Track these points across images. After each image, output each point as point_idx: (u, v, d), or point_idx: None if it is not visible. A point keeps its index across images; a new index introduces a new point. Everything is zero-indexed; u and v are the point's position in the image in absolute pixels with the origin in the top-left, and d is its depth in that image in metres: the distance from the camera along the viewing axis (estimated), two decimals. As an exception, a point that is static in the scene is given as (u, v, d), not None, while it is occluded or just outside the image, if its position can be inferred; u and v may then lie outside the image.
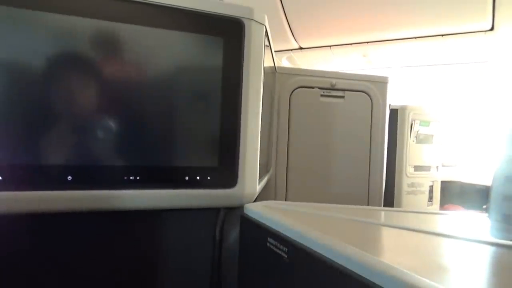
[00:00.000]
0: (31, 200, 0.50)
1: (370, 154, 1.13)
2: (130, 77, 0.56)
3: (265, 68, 0.68)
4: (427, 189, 1.76)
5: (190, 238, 0.73)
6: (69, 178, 0.52)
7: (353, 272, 0.35)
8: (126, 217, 0.71)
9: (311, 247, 0.41)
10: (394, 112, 1.62)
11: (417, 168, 1.70)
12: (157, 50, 0.57)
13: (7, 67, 0.49)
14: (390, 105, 1.35)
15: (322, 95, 1.07)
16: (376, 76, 1.12)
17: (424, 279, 0.29)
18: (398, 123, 1.63)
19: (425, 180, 1.73)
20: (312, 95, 1.07)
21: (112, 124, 0.55)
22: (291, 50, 2.10)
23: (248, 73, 0.61)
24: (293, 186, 1.06)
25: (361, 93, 1.10)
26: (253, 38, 0.61)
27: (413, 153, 1.67)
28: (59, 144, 0.52)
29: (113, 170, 0.54)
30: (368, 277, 0.33)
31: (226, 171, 0.60)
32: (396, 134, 1.62)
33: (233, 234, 0.65)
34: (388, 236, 0.48)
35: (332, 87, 1.07)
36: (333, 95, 1.08)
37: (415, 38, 1.89)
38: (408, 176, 1.66)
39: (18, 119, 0.50)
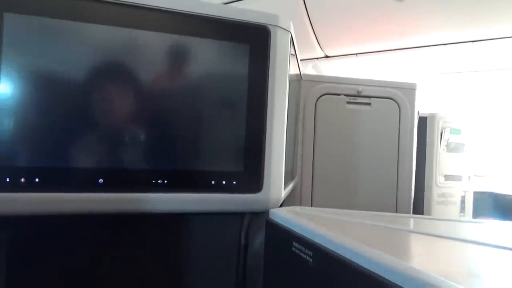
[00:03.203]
0: (64, 201, 0.52)
1: (398, 163, 1.10)
2: (159, 84, 0.57)
3: (290, 75, 0.68)
4: (459, 199, 1.70)
5: (215, 243, 0.73)
6: (101, 181, 0.54)
7: (381, 276, 0.34)
8: (153, 222, 0.72)
9: (337, 252, 0.41)
10: (423, 120, 1.58)
11: (448, 177, 1.65)
12: (185, 58, 0.58)
13: (45, 76, 0.52)
14: (418, 112, 1.32)
15: (348, 102, 1.06)
16: (404, 82, 1.10)
17: (452, 283, 0.29)
18: (427, 131, 1.59)
19: (456, 190, 1.67)
20: (338, 102, 1.06)
21: (141, 129, 0.56)
22: (317, 58, 2.10)
23: (274, 79, 0.61)
24: (319, 194, 1.05)
25: (389, 100, 1.08)
26: (278, 45, 0.61)
27: (444, 162, 1.62)
28: (92, 149, 0.54)
29: (142, 174, 0.56)
30: (396, 282, 0.32)
31: (252, 176, 0.60)
32: (426, 142, 1.58)
33: (258, 239, 0.65)
34: (417, 242, 0.47)
35: (358, 94, 1.06)
36: (359, 102, 1.07)
37: (444, 44, 1.85)
38: (438, 186, 1.61)
39: (55, 124, 0.52)
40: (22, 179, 0.50)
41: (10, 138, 0.50)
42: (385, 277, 0.34)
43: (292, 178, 0.93)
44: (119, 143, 0.55)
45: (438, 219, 0.63)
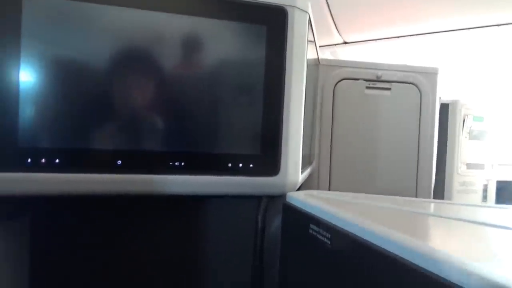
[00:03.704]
0: (83, 182, 0.53)
1: (418, 150, 1.08)
2: (177, 67, 0.57)
3: (308, 59, 0.67)
4: (481, 188, 1.66)
5: (233, 226, 0.74)
6: (119, 162, 0.54)
7: (399, 256, 0.33)
8: (172, 205, 0.73)
9: (355, 233, 0.40)
10: (445, 107, 1.54)
11: (470, 166, 1.61)
12: (203, 40, 0.58)
13: (66, 59, 0.52)
14: (440, 98, 1.29)
15: (367, 87, 1.04)
16: (426, 66, 1.07)
17: (471, 262, 0.28)
18: (449, 118, 1.55)
19: (478, 179, 1.63)
20: (357, 87, 1.04)
21: (159, 112, 0.57)
22: (335, 45, 2.07)
23: (292, 61, 0.60)
24: (336, 180, 1.04)
25: (409, 84, 1.06)
26: (296, 25, 0.60)
27: (466, 150, 1.58)
28: (111, 130, 0.55)
29: (159, 156, 0.56)
30: (414, 262, 0.32)
31: (269, 159, 0.60)
32: (447, 130, 1.54)
33: (275, 222, 0.65)
34: (438, 225, 0.46)
35: (378, 79, 1.04)
36: (379, 87, 1.05)
37: (468, 29, 1.79)
38: (460, 174, 1.58)
39: (75, 106, 0.53)
40: (43, 160, 0.51)
41: (32, 120, 0.51)
42: (405, 257, 0.33)
43: (310, 163, 0.93)
44: (138, 125, 0.56)
45: (459, 204, 0.62)
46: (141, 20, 0.55)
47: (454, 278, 0.28)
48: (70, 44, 0.52)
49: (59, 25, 0.52)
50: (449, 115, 1.55)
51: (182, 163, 0.57)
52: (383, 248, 0.36)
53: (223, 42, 0.59)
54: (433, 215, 0.50)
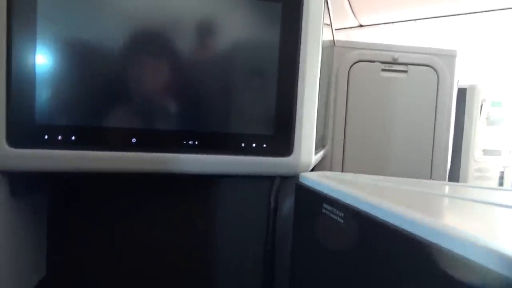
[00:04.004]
0: (98, 159, 0.53)
1: (434, 135, 1.06)
2: (192, 47, 0.57)
3: (323, 41, 0.66)
4: (497, 175, 1.63)
5: (245, 206, 0.74)
6: (133, 140, 0.55)
7: (412, 233, 0.33)
8: (184, 184, 0.74)
9: (368, 211, 0.40)
10: (462, 92, 1.51)
11: (486, 152, 1.58)
12: (217, 19, 0.57)
13: (81, 39, 0.52)
14: (458, 81, 1.26)
15: (383, 70, 1.02)
16: (443, 49, 1.04)
17: (482, 237, 0.27)
18: (466, 103, 1.52)
19: (494, 165, 1.60)
20: (373, 70, 1.02)
21: (174, 92, 0.57)
22: (350, 28, 2.03)
23: (307, 39, 0.60)
24: (350, 163, 1.03)
25: (426, 67, 1.03)
26: (312, 3, 0.59)
27: (483, 136, 1.55)
28: (126, 109, 0.55)
29: (173, 135, 0.56)
30: (427, 238, 0.31)
31: (282, 139, 0.60)
32: (464, 115, 1.51)
33: (287, 203, 0.65)
34: (452, 205, 0.45)
35: (394, 61, 1.02)
36: (395, 70, 1.03)
37: (487, 11, 1.73)
38: (476, 160, 1.55)
39: (91, 85, 0.53)
40: (59, 137, 0.52)
41: (48, 97, 0.52)
42: (415, 233, 0.33)
43: (323, 146, 0.92)
44: (152, 104, 0.56)
45: (475, 186, 0.61)
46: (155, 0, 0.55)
47: (469, 254, 0.27)
48: (85, 24, 0.53)
49: (75, 5, 0.52)
50: (466, 100, 1.51)
51: (196, 142, 0.57)
52: (395, 225, 0.35)
53: (237, 20, 0.58)
54: (448, 196, 0.50)
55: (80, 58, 0.52)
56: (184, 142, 0.56)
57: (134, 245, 0.75)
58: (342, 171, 1.03)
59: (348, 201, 0.43)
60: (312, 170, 0.91)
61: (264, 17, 0.58)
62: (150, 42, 0.56)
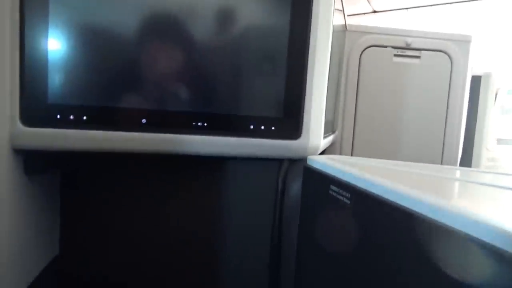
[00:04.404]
0: (109, 139, 0.54)
1: (446, 122, 1.05)
2: (202, 31, 0.57)
3: (334, 26, 0.65)
4: (511, 165, 1.61)
5: (253, 188, 0.75)
6: (143, 121, 0.55)
7: (419, 213, 0.33)
8: (192, 166, 0.74)
9: (374, 192, 0.40)
10: (477, 80, 1.48)
11: (500, 141, 1.55)
12: (228, 2, 0.57)
13: (92, 21, 0.53)
14: (472, 68, 1.23)
15: (395, 55, 1.01)
16: (458, 34, 1.02)
17: (493, 217, 0.27)
18: (480, 91, 1.49)
19: (508, 155, 1.58)
20: (385, 55, 1.01)
21: (184, 74, 0.57)
22: (363, 14, 1.99)
23: (317, 23, 0.59)
24: (360, 149, 1.03)
25: (440, 52, 1.01)
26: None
27: (497, 124, 1.53)
28: (136, 90, 0.56)
29: (183, 116, 0.57)
30: (435, 218, 0.31)
31: (291, 122, 0.60)
32: (478, 103, 1.49)
33: (295, 186, 0.66)
34: (462, 188, 0.45)
35: (407, 46, 1.00)
36: (408, 55, 1.01)
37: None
38: (489, 149, 1.53)
39: (102, 66, 0.54)
40: (71, 116, 0.53)
41: (60, 78, 0.52)
42: (422, 213, 0.33)
43: (332, 131, 0.92)
44: (162, 85, 0.57)
45: (486, 172, 0.60)
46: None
47: (480, 234, 0.27)
48: (96, 5, 0.53)
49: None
50: (481, 87, 1.49)
51: (205, 124, 0.57)
52: (402, 205, 0.35)
53: (248, 3, 0.58)
54: (459, 180, 0.49)
55: (91, 39, 0.53)
56: (194, 123, 0.57)
57: (144, 223, 0.76)
58: (352, 156, 1.03)
59: (354, 182, 0.44)
60: (322, 154, 0.91)
61: (275, 3, 0.58)
62: (161, 25, 0.56)
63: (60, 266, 0.73)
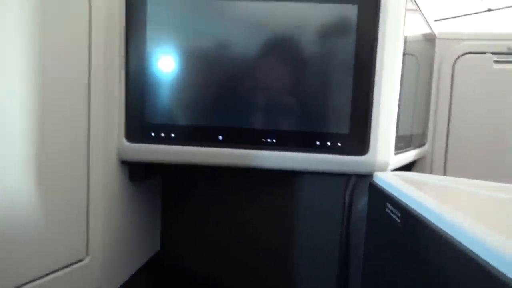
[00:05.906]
0: (192, 153, 0.63)
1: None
2: (277, 50, 0.62)
3: (417, 34, 0.64)
4: None
5: (322, 203, 0.77)
6: (220, 137, 0.63)
7: (467, 248, 0.30)
8: (269, 183, 0.80)
9: (423, 214, 0.39)
10: None
11: None
12: (300, 23, 0.61)
13: (186, 48, 0.62)
14: None
15: (495, 61, 0.92)
16: None
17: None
18: None
19: None
20: (483, 62, 0.92)
21: (257, 93, 0.63)
22: (476, 13, 1.81)
23: (384, 37, 0.59)
24: (454, 164, 0.95)
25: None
26: (390, 2, 0.58)
27: None
28: (214, 109, 0.63)
29: (254, 132, 0.63)
30: (486, 259, 0.27)
31: (357, 138, 0.61)
32: None
33: (362, 202, 0.66)
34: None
35: (509, 51, 0.90)
36: (510, 61, 0.91)
37: None
38: None
39: (188, 91, 0.63)
40: (162, 134, 0.63)
41: (155, 100, 0.63)
42: (470, 249, 0.29)
43: (419, 145, 0.88)
44: (237, 104, 0.63)
45: None
46: (247, 9, 0.62)
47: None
48: (187, 34, 0.62)
49: (180, 13, 0.62)
50: None
51: (274, 140, 0.62)
52: (451, 236, 0.32)
53: (317, 24, 0.61)
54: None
55: (179, 67, 0.62)
56: (264, 139, 0.62)
57: (229, 226, 0.85)
58: (444, 174, 0.97)
59: (405, 201, 0.44)
60: (410, 169, 0.89)
61: (341, 18, 0.60)
62: (237, 48, 0.63)
63: (161, 259, 0.85)
